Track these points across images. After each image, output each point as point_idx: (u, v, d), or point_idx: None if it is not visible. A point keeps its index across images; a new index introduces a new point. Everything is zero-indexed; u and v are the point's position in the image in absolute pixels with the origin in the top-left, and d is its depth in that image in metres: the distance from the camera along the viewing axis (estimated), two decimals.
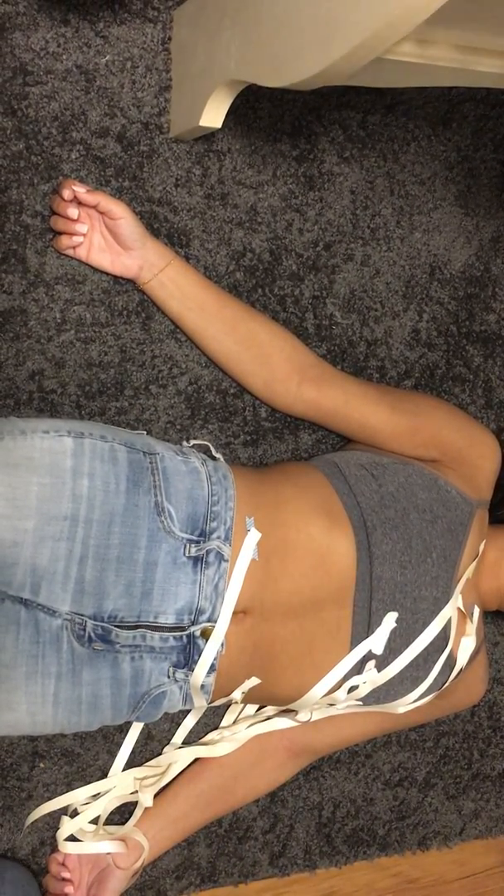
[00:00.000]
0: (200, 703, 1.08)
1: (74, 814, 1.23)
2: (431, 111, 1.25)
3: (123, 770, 1.26)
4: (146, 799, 1.22)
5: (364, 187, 1.24)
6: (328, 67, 0.73)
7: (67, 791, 1.24)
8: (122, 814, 1.26)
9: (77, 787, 1.24)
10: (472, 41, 0.82)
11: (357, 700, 1.12)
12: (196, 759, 1.27)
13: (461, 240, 1.32)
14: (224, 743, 1.25)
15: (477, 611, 1.17)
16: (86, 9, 1.05)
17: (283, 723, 1.24)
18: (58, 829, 1.22)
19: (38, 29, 1.04)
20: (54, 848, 1.23)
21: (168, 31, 1.09)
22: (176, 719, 1.27)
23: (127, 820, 1.24)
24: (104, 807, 1.23)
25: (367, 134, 1.22)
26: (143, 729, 1.26)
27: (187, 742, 1.28)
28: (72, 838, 1.22)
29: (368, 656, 1.09)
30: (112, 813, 1.25)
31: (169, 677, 1.03)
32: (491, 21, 0.78)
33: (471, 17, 0.77)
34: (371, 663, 1.09)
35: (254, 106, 1.15)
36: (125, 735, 1.25)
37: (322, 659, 1.08)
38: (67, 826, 1.21)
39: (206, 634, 1.02)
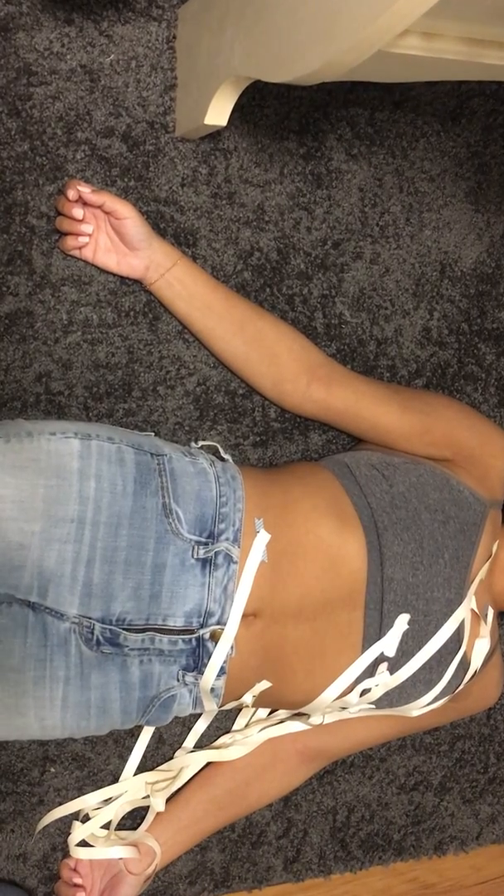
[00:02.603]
0: (211, 707, 1.07)
1: (86, 819, 1.23)
2: (440, 107, 1.24)
3: (135, 774, 1.25)
4: (158, 803, 1.21)
5: (373, 184, 1.23)
6: (331, 61, 0.72)
7: (78, 796, 1.23)
8: (133, 819, 1.25)
9: (88, 792, 1.23)
10: (478, 33, 0.81)
11: (370, 703, 1.11)
12: (208, 764, 1.26)
13: (472, 237, 1.30)
14: (236, 747, 1.24)
15: (491, 612, 1.16)
16: (90, 8, 1.05)
17: (295, 726, 1.23)
18: (69, 834, 1.22)
19: (41, 29, 1.04)
20: (66, 853, 1.22)
21: (173, 30, 1.08)
22: (187, 723, 1.27)
23: (139, 825, 1.23)
24: (116, 812, 1.22)
25: (375, 131, 1.21)
26: (154, 733, 1.26)
27: (199, 746, 1.28)
28: (83, 843, 1.21)
29: (380, 659, 1.07)
30: (124, 818, 1.25)
31: (178, 680, 1.02)
32: (497, 12, 0.77)
33: (477, 9, 0.76)
34: (383, 666, 1.08)
35: (260, 104, 1.14)
36: (136, 739, 1.25)
37: (333, 662, 1.07)
38: (79, 831, 1.21)
39: (215, 637, 1.01)
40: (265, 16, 0.82)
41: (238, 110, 1.11)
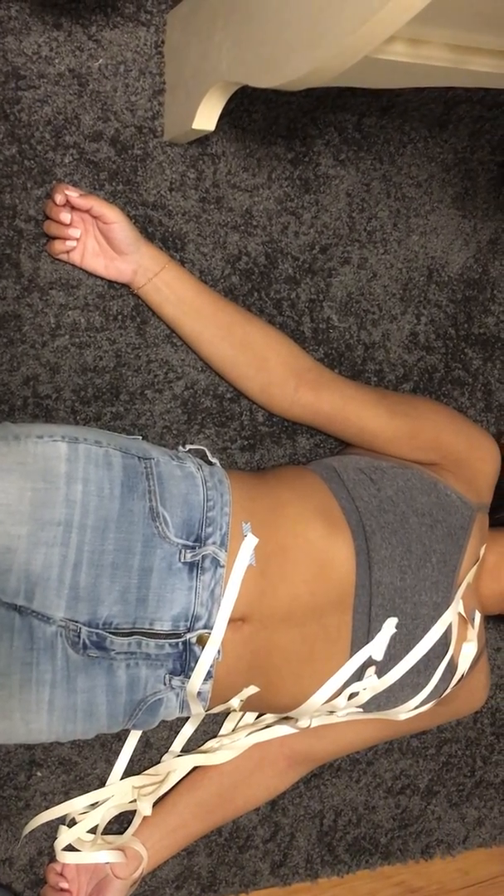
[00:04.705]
0: (197, 711, 1.07)
1: (72, 823, 1.22)
2: (428, 113, 1.24)
3: (122, 778, 1.25)
4: (145, 808, 1.21)
5: (360, 190, 1.23)
6: (318, 67, 0.72)
7: (65, 800, 1.23)
8: (120, 823, 1.25)
9: (75, 796, 1.23)
10: (464, 40, 0.81)
11: (357, 707, 1.11)
12: (195, 768, 1.26)
13: (459, 242, 1.31)
14: (223, 751, 1.24)
15: (478, 616, 1.16)
16: (78, 13, 1.05)
17: (282, 730, 1.23)
18: (55, 838, 1.21)
19: (30, 33, 1.04)
20: (52, 858, 1.22)
21: (161, 35, 1.08)
22: (174, 727, 1.26)
23: (125, 829, 1.23)
24: (102, 816, 1.22)
25: (362, 136, 1.22)
26: (141, 737, 1.25)
27: (186, 750, 1.27)
28: (70, 848, 1.21)
29: (368, 662, 1.08)
30: (110, 822, 1.24)
31: (165, 684, 1.02)
32: (482, 19, 0.77)
33: (463, 16, 0.76)
34: (371, 669, 1.08)
35: (248, 109, 1.15)
36: (123, 743, 1.24)
37: (322, 666, 1.07)
38: (65, 835, 1.20)
39: (202, 641, 1.01)
40: (253, 21, 0.83)
41: (226, 115, 1.12)
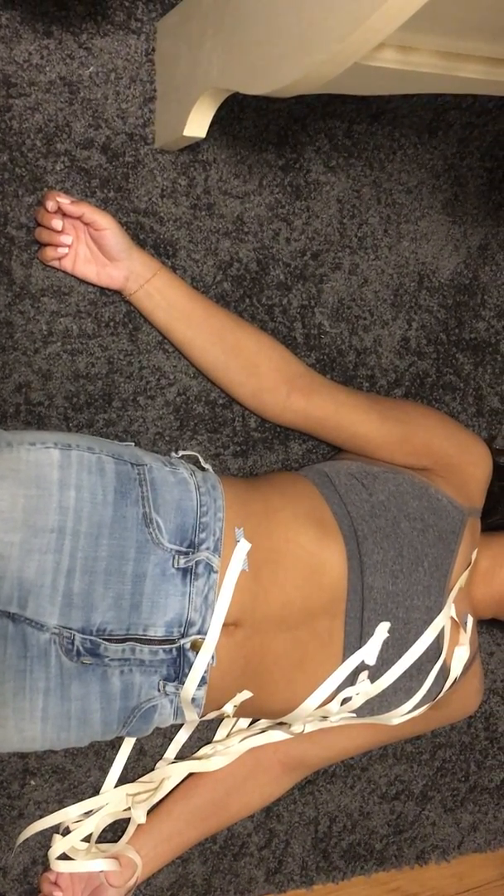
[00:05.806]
0: (192, 717, 1.06)
1: (66, 832, 1.22)
2: (417, 120, 1.25)
3: (116, 786, 1.24)
4: (139, 815, 1.21)
5: (351, 196, 1.24)
6: (308, 73, 0.73)
7: (59, 808, 1.22)
8: (114, 831, 1.24)
9: (69, 805, 1.22)
10: (454, 47, 0.82)
11: (350, 712, 1.11)
12: (190, 775, 1.25)
13: (449, 248, 1.31)
14: (217, 757, 1.24)
15: (470, 620, 1.16)
16: (69, 21, 1.05)
17: (276, 735, 1.23)
18: (49, 847, 1.21)
19: (21, 41, 1.04)
20: (46, 867, 1.21)
21: (152, 42, 1.09)
22: (168, 734, 1.26)
23: (120, 837, 1.22)
24: (96, 824, 1.21)
25: (352, 143, 1.22)
26: (135, 744, 1.25)
27: (180, 757, 1.27)
28: (64, 856, 1.20)
29: (361, 667, 1.08)
30: (105, 830, 1.24)
31: (159, 691, 1.02)
32: (472, 26, 0.78)
33: (452, 23, 0.77)
34: (364, 674, 1.08)
35: (239, 116, 1.15)
36: (117, 751, 1.24)
37: (314, 670, 1.07)
38: (59, 844, 1.20)
39: (196, 647, 1.01)
40: (243, 29, 0.83)
41: (217, 122, 1.12)
